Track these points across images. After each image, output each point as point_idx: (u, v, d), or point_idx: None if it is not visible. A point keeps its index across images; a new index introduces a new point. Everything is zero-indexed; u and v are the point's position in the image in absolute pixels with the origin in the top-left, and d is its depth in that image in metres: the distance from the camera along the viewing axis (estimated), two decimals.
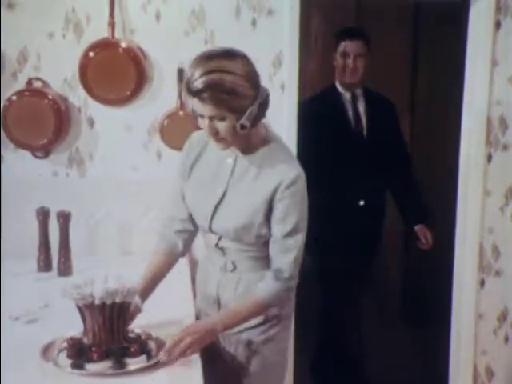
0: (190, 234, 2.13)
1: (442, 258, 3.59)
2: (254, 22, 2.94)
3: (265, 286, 1.94)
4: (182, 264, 2.75)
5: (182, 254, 2.16)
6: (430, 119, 4.48)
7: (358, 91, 3.40)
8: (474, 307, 3.16)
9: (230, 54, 1.82)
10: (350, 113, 3.39)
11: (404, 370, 3.75)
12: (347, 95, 3.40)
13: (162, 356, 1.81)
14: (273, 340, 2.04)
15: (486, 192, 3.07)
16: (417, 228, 3.58)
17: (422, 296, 4.38)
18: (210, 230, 2.00)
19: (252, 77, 1.82)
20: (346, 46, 3.28)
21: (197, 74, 1.79)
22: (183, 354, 1.81)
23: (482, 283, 3.15)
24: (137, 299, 1.95)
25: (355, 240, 3.42)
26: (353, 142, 3.40)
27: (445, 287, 3.34)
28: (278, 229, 1.92)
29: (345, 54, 3.30)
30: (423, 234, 3.56)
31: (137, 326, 1.95)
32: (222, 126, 1.84)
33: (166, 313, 2.14)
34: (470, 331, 3.17)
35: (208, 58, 1.81)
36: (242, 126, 1.83)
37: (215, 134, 1.87)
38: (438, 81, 4.35)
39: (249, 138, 1.93)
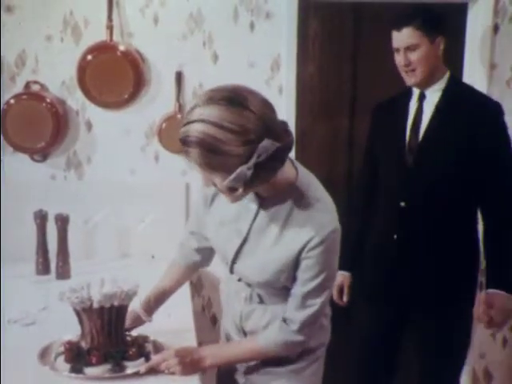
0: (210, 250, 1.97)
1: None
2: (251, 25, 2.95)
3: (268, 334, 1.77)
4: None
5: (202, 267, 2.08)
6: None
7: (432, 89, 2.47)
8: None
9: (227, 100, 1.47)
10: (411, 118, 2.52)
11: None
12: (415, 96, 2.53)
13: (142, 369, 1.77)
14: (297, 373, 1.87)
15: None
16: (489, 292, 2.44)
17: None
18: (232, 272, 1.82)
19: (249, 130, 1.47)
20: (394, 39, 2.44)
21: (184, 121, 1.53)
22: (162, 371, 1.77)
23: (481, 286, 3.15)
24: (141, 311, 1.94)
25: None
26: (399, 160, 2.50)
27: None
28: (298, 286, 1.70)
29: (396, 50, 2.46)
30: (493, 306, 2.42)
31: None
32: (217, 184, 1.57)
33: (163, 319, 2.14)
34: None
35: (199, 102, 1.50)
36: (232, 188, 1.55)
37: (215, 187, 1.60)
38: None
39: (271, 186, 1.64)
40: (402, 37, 2.41)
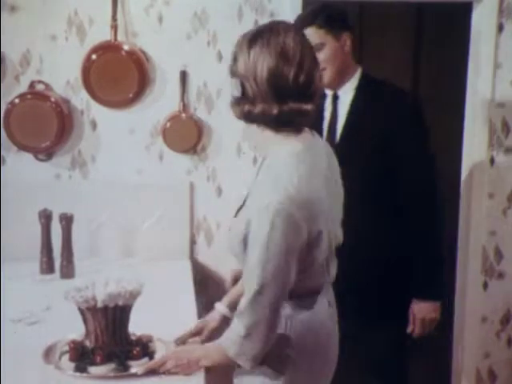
0: None
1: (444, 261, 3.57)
2: (256, 25, 2.94)
3: (227, 332, 1.71)
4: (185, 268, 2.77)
5: None
6: (431, 122, 4.47)
7: (344, 89, 2.42)
8: (476, 310, 3.15)
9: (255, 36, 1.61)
10: (326, 120, 2.46)
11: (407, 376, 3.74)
12: (329, 98, 2.47)
13: (139, 370, 1.76)
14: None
15: (488, 194, 3.07)
16: (414, 305, 2.40)
17: None
18: None
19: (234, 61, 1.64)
20: None
21: None
22: (160, 372, 1.76)
23: (485, 286, 3.15)
24: (226, 311, 1.93)
25: None
26: None
27: (447, 290, 3.32)
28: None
29: None
30: (415, 316, 2.41)
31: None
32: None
33: (168, 318, 2.14)
34: (473, 334, 3.17)
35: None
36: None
37: None
38: (439, 83, 4.35)
39: (277, 141, 1.66)
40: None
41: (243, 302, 1.63)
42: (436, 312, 2.41)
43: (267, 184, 1.61)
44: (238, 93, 1.60)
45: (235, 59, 1.62)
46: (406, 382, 2.60)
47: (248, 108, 1.61)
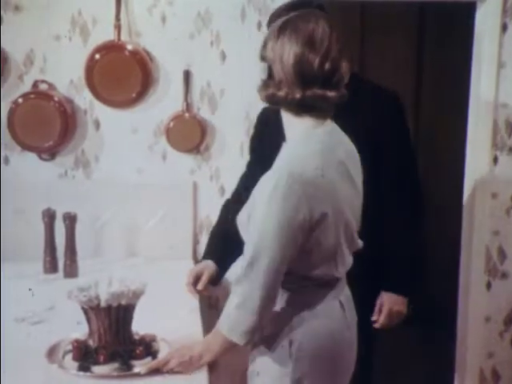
0: None
1: (447, 261, 3.58)
2: (259, 25, 2.94)
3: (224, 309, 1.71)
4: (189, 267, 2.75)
5: None
6: (435, 121, 4.48)
7: None
8: (480, 310, 3.15)
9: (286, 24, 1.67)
10: None
11: (409, 372, 3.74)
12: None
13: (142, 370, 1.77)
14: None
15: (492, 194, 3.06)
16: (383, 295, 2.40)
17: (427, 298, 4.36)
18: None
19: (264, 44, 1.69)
20: None
21: None
22: (164, 372, 1.76)
23: (489, 286, 3.14)
24: None
25: None
26: None
27: (451, 290, 3.33)
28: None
29: None
30: (382, 306, 2.40)
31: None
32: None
33: (171, 318, 2.14)
34: (476, 334, 3.16)
35: None
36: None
37: None
38: (442, 83, 4.35)
39: (287, 127, 1.75)
40: None
41: (240, 271, 1.65)
42: (403, 306, 2.41)
43: (275, 163, 1.67)
44: (264, 76, 1.67)
45: (265, 44, 1.67)
46: (371, 367, 2.61)
47: (272, 91, 1.65)
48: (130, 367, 1.78)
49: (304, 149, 1.65)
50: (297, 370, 1.70)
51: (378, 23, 3.79)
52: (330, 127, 1.73)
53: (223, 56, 2.96)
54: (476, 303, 3.14)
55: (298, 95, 1.62)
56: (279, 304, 1.71)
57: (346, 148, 1.76)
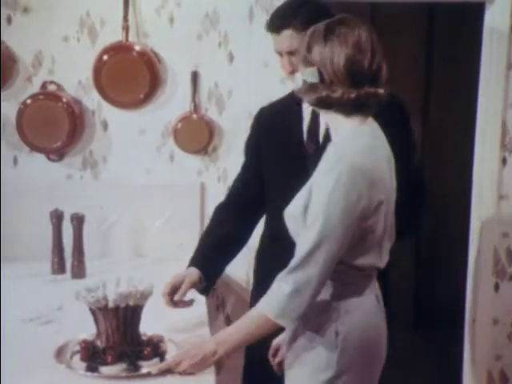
0: None
1: (455, 263, 3.57)
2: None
3: (265, 297, 1.71)
4: None
5: None
6: (443, 122, 4.46)
7: None
8: (488, 312, 3.14)
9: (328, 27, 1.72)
10: (305, 126, 2.22)
11: (418, 375, 3.73)
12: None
13: (153, 370, 1.77)
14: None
15: (500, 196, 3.05)
16: None
17: (435, 301, 4.36)
18: None
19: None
20: (274, 42, 2.16)
21: None
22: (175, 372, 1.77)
23: (497, 287, 3.13)
24: None
25: None
26: (298, 166, 2.17)
27: (459, 292, 3.32)
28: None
29: (279, 54, 2.18)
30: None
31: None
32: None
33: (178, 318, 2.14)
34: (484, 336, 3.15)
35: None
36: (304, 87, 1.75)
37: None
38: (452, 83, 4.33)
39: (332, 126, 1.79)
40: (282, 41, 2.10)
41: (296, 260, 1.66)
42: None
43: (331, 157, 1.71)
44: (316, 79, 1.69)
45: (309, 49, 1.71)
46: None
47: (326, 93, 1.69)
48: (137, 368, 1.78)
49: (356, 143, 1.71)
50: (341, 360, 1.73)
51: (387, 24, 3.79)
52: (374, 124, 1.79)
53: (231, 57, 2.96)
54: (484, 305, 3.12)
55: (353, 94, 1.67)
56: (325, 295, 1.74)
57: (386, 144, 1.81)
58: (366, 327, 1.77)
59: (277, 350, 2.02)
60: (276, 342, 2.01)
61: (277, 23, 2.11)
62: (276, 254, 2.04)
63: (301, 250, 1.67)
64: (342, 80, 1.67)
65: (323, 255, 1.64)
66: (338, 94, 1.68)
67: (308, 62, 1.71)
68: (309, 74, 1.69)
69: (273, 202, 2.23)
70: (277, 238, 2.13)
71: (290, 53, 2.10)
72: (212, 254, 2.17)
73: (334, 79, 1.68)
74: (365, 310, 1.78)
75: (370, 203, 1.67)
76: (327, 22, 1.73)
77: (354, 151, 1.69)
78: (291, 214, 1.76)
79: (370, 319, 1.80)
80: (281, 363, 1.97)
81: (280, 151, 2.24)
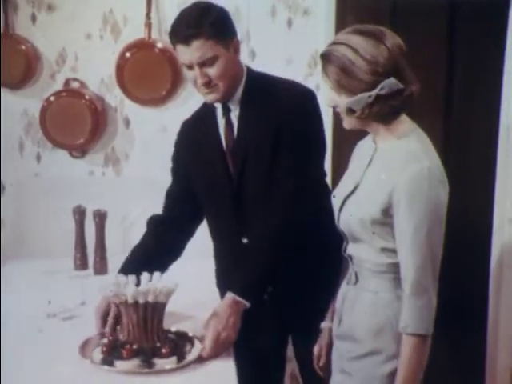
0: None
1: (478, 263, 3.54)
2: (289, 22, 2.94)
3: (403, 318, 1.71)
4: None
5: None
6: (467, 119, 4.42)
7: (235, 99, 2.08)
8: (511, 310, 3.11)
9: (369, 33, 1.70)
10: (222, 133, 2.13)
11: (440, 375, 3.71)
12: (219, 108, 2.12)
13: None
14: None
15: None
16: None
17: (458, 301, 4.32)
18: (338, 224, 1.85)
19: (378, 63, 1.66)
20: (182, 54, 1.98)
21: (330, 42, 1.76)
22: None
23: None
24: None
25: None
26: (220, 180, 2.13)
27: (482, 292, 3.29)
28: (399, 230, 1.70)
29: (188, 67, 2.00)
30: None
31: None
32: (339, 103, 1.74)
33: (199, 316, 2.15)
34: (508, 334, 3.13)
35: (348, 30, 1.74)
36: (350, 110, 1.72)
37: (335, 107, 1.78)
38: (475, 82, 4.28)
39: (388, 132, 1.76)
40: (193, 52, 1.94)
41: (415, 276, 1.68)
42: None
43: (396, 162, 1.70)
44: (398, 86, 1.69)
45: (377, 62, 1.68)
46: None
47: (407, 92, 1.71)
48: (151, 365, 1.78)
49: (418, 145, 1.73)
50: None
51: (408, 21, 3.75)
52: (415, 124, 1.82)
53: (253, 54, 2.96)
54: (507, 301, 3.10)
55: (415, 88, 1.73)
56: (393, 289, 1.77)
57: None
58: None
59: (319, 355, 2.04)
60: (316, 348, 2.03)
61: (185, 33, 1.95)
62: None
63: (412, 268, 1.68)
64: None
65: (436, 263, 1.71)
66: (414, 88, 1.71)
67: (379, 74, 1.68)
68: (391, 83, 1.68)
69: (207, 220, 2.24)
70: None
71: (203, 64, 1.96)
72: (144, 269, 1.94)
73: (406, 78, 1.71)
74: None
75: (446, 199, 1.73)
76: (367, 32, 1.71)
77: (423, 152, 1.71)
78: (359, 218, 1.75)
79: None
80: (325, 366, 2.01)
81: (201, 158, 2.16)
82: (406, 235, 1.67)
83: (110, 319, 1.97)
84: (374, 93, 1.67)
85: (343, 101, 1.72)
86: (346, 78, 1.69)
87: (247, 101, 2.07)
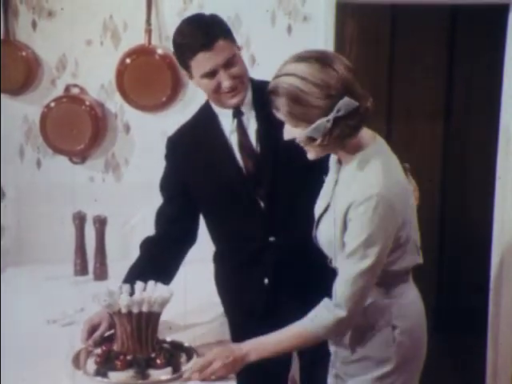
0: None
1: (478, 266, 3.54)
2: (289, 29, 2.94)
3: (313, 314, 1.76)
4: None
5: None
6: (466, 123, 4.43)
7: (247, 101, 2.08)
8: (511, 314, 3.11)
9: (313, 59, 1.68)
10: (233, 139, 2.11)
11: (441, 379, 3.71)
12: (225, 113, 2.09)
13: (187, 374, 1.78)
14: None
15: None
16: None
17: (458, 304, 4.32)
18: (315, 240, 1.88)
19: (330, 86, 1.64)
20: (205, 62, 1.97)
21: (274, 75, 1.73)
22: (209, 377, 1.76)
23: None
24: None
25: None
26: (238, 183, 2.11)
27: (481, 295, 3.29)
28: (341, 254, 1.75)
29: (210, 74, 1.97)
30: None
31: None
32: (297, 135, 1.71)
33: (201, 322, 2.15)
34: (508, 339, 3.12)
35: (290, 59, 1.73)
36: (311, 139, 1.69)
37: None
38: (475, 85, 4.30)
39: (351, 149, 1.76)
40: (217, 54, 1.94)
41: (344, 291, 1.72)
42: None
43: (360, 181, 1.72)
44: (354, 104, 1.67)
45: (328, 85, 1.66)
46: None
47: (363, 108, 1.69)
48: (145, 376, 1.77)
49: (380, 167, 1.73)
50: (399, 352, 1.81)
51: (409, 25, 3.77)
52: (375, 138, 1.82)
53: (253, 60, 2.96)
54: (508, 304, 3.10)
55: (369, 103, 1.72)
56: (378, 295, 1.81)
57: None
58: (418, 319, 1.89)
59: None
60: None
61: (205, 38, 1.95)
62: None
63: (344, 277, 1.72)
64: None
65: (371, 277, 1.73)
66: (369, 103, 1.69)
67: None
68: (347, 103, 1.65)
69: (219, 226, 2.23)
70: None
71: (227, 65, 1.97)
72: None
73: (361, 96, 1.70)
74: (415, 303, 1.89)
75: (405, 215, 1.75)
76: (317, 56, 1.71)
77: (381, 174, 1.71)
78: (325, 235, 1.82)
79: (421, 311, 1.91)
80: None
81: (209, 172, 2.14)
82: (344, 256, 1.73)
83: (97, 334, 1.95)
84: (331, 116, 1.64)
85: (301, 131, 1.68)
86: (298, 108, 1.65)
87: (261, 103, 2.01)
